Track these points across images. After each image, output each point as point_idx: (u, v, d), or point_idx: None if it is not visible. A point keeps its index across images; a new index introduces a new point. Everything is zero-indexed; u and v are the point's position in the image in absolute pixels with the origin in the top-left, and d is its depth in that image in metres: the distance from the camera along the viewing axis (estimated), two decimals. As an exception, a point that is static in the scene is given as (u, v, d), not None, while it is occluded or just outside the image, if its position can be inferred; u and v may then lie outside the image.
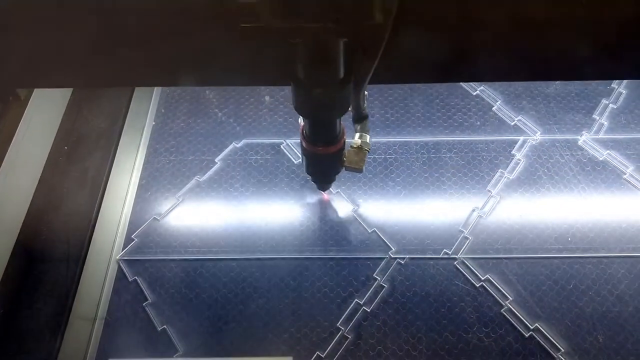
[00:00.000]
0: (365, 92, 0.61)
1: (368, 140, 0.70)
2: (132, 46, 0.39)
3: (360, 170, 0.71)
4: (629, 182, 0.84)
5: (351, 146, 0.69)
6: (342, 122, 0.63)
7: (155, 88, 0.99)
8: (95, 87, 0.92)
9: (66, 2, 0.35)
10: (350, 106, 0.60)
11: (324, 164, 0.70)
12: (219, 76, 0.48)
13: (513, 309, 0.73)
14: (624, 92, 0.96)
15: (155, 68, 0.43)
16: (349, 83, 0.48)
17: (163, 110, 0.96)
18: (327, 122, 0.60)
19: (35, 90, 0.85)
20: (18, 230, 0.80)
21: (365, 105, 0.64)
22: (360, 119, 0.68)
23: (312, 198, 0.85)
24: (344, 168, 0.70)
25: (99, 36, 0.38)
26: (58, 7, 0.35)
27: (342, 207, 0.83)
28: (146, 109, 0.96)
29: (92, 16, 0.36)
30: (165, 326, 0.73)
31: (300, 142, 0.65)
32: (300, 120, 0.62)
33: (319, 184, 0.79)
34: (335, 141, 0.64)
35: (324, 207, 0.83)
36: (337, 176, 0.76)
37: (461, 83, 0.98)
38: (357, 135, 0.69)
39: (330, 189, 0.84)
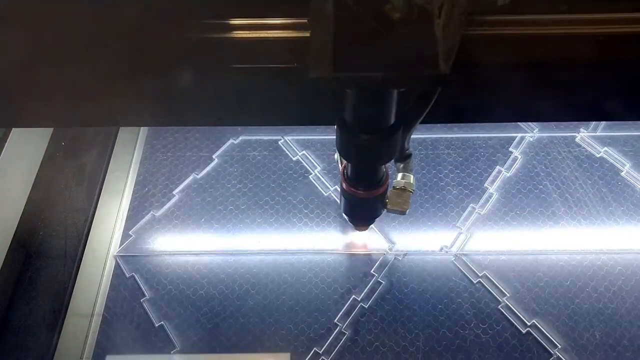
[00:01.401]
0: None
1: (412, 181, 0.65)
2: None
3: (403, 213, 0.66)
4: (627, 179, 0.85)
5: (394, 187, 0.64)
6: (386, 167, 0.59)
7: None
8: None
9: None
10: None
11: (365, 207, 0.66)
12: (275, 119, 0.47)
13: (510, 305, 0.73)
14: (621, 89, 0.96)
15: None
16: (399, 130, 0.46)
17: (160, 107, 0.96)
18: (373, 168, 0.57)
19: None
20: (15, 227, 0.80)
21: (409, 145, 0.60)
22: (403, 158, 0.63)
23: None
24: (385, 210, 0.66)
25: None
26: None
27: (339, 204, 0.83)
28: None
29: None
30: (162, 322, 0.73)
31: (341, 183, 0.61)
32: (337, 157, 0.58)
33: (356, 224, 0.75)
34: (379, 185, 0.60)
35: (320, 204, 0.83)
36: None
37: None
38: (400, 175, 0.64)
39: (329, 186, 0.84)
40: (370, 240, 0.80)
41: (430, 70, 0.34)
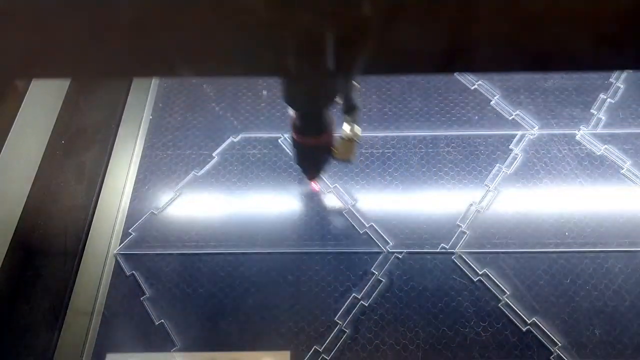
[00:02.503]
0: (356, 84, 0.62)
1: (358, 132, 0.69)
2: (127, 36, 0.38)
3: (349, 162, 0.71)
4: (627, 177, 0.85)
5: (341, 137, 0.69)
6: (330, 114, 0.63)
7: (153, 82, 0.99)
8: (92, 79, 0.92)
9: None
10: (340, 98, 0.60)
11: (314, 155, 0.71)
12: (213, 67, 0.48)
13: (510, 303, 0.73)
14: (621, 86, 0.96)
15: (150, 58, 0.43)
16: (337, 75, 0.48)
17: (160, 105, 0.96)
18: (316, 113, 0.60)
19: (32, 83, 0.85)
20: (15, 225, 0.80)
21: (354, 96, 0.64)
22: (349, 110, 0.67)
23: (303, 189, 0.84)
24: (333, 159, 0.71)
25: (95, 26, 0.37)
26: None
27: (340, 202, 0.83)
28: (143, 103, 0.96)
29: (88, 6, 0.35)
30: (162, 320, 0.73)
31: (291, 135, 0.65)
32: (291, 112, 0.62)
33: (308, 174, 0.80)
34: (324, 132, 0.64)
35: (318, 199, 0.83)
36: (329, 168, 0.78)
37: (459, 77, 0.98)
38: (347, 126, 0.69)
39: (328, 184, 0.84)
40: (368, 235, 0.79)
41: (352, 12, 0.35)
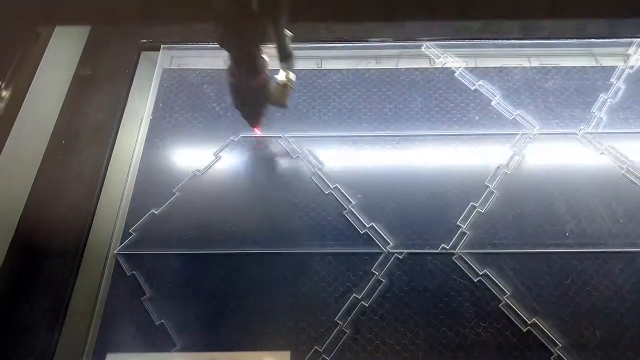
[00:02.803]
0: (288, 32, 0.66)
1: (292, 78, 0.76)
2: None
3: (284, 106, 0.78)
4: (627, 177, 0.84)
5: (277, 83, 0.75)
6: (264, 59, 0.69)
7: (153, 82, 0.99)
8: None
9: None
10: (274, 45, 0.66)
11: (249, 98, 0.76)
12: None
13: (511, 303, 0.73)
14: (622, 86, 0.96)
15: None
16: (264, 17, 0.56)
17: (161, 105, 0.96)
18: (248, 55, 0.66)
19: (33, 83, 0.85)
20: (15, 225, 0.80)
21: (288, 44, 0.68)
22: (284, 57, 0.71)
23: (303, 189, 0.84)
24: (269, 104, 0.78)
25: None
26: None
27: (340, 202, 0.83)
28: (144, 103, 0.96)
29: None
30: (162, 320, 0.73)
31: (227, 79, 0.71)
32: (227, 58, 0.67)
33: (249, 120, 0.84)
34: (257, 74, 0.70)
35: (318, 200, 0.83)
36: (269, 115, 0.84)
37: (460, 78, 0.98)
38: (282, 73, 0.75)
39: (329, 184, 0.84)
40: (368, 235, 0.79)
41: None
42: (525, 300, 0.74)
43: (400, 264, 0.77)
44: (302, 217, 0.82)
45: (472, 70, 1.00)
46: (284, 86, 0.76)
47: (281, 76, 0.75)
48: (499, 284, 0.75)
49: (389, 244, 0.79)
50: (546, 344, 0.70)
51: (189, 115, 0.95)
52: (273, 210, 0.83)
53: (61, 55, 0.95)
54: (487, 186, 0.84)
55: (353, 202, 0.83)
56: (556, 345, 0.70)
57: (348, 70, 1.01)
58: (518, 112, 0.93)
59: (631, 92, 0.95)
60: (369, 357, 0.70)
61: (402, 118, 0.93)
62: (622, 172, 0.85)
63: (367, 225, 0.80)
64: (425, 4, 0.55)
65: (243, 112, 0.81)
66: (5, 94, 0.82)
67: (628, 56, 1.01)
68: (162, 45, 1.04)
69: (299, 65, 1.03)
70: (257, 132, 0.91)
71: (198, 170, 0.87)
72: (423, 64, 1.02)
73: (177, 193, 0.85)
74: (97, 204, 0.84)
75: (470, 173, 0.86)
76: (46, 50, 0.89)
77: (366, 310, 0.73)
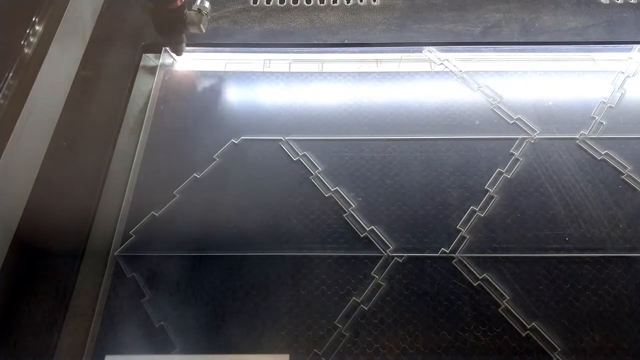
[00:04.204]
0: None
1: (207, 6, 0.93)
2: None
3: (200, 31, 0.93)
4: (627, 182, 0.85)
5: (192, 9, 0.91)
6: None
7: (154, 84, 0.99)
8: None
9: None
10: None
11: (168, 22, 0.89)
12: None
13: (510, 307, 0.73)
14: (622, 91, 0.96)
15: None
16: None
17: (162, 107, 0.96)
18: None
19: (35, 84, 0.85)
20: (16, 226, 0.80)
21: None
22: None
23: (304, 191, 0.85)
24: (186, 28, 0.92)
25: None
26: None
27: (341, 205, 0.83)
28: (145, 106, 0.96)
29: None
30: (162, 322, 0.73)
31: (147, 6, 0.85)
32: None
33: (171, 46, 1.00)
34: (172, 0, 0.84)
35: (319, 202, 0.83)
36: (184, 36, 0.97)
37: (460, 83, 0.98)
38: (198, 1, 0.93)
39: (329, 187, 0.84)
40: (369, 239, 0.80)
41: None
42: (525, 305, 0.74)
43: (400, 268, 0.77)
44: (302, 220, 0.82)
45: (472, 74, 1.00)
46: (198, 12, 0.90)
47: (197, 4, 0.91)
48: (499, 288, 0.75)
49: (389, 247, 0.79)
50: (545, 348, 0.70)
51: (189, 118, 0.95)
52: (273, 212, 0.83)
53: (63, 57, 0.95)
54: (487, 190, 0.84)
55: (353, 205, 0.83)
56: (555, 349, 0.70)
57: (349, 73, 1.01)
58: (518, 116, 0.93)
59: (631, 97, 0.96)
60: (368, 361, 0.70)
61: (403, 122, 0.93)
62: (622, 177, 0.85)
63: (368, 229, 0.80)
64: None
65: (163, 37, 0.95)
66: (7, 94, 0.82)
67: (628, 61, 1.02)
68: (163, 47, 1.04)
69: (300, 67, 1.04)
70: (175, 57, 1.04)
71: (198, 173, 0.87)
72: (424, 67, 1.03)
73: (178, 195, 0.85)
74: (97, 205, 0.84)
75: (470, 177, 0.86)
76: (48, 51, 0.90)
77: (366, 314, 0.73)
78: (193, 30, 0.92)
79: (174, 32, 0.93)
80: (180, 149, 0.91)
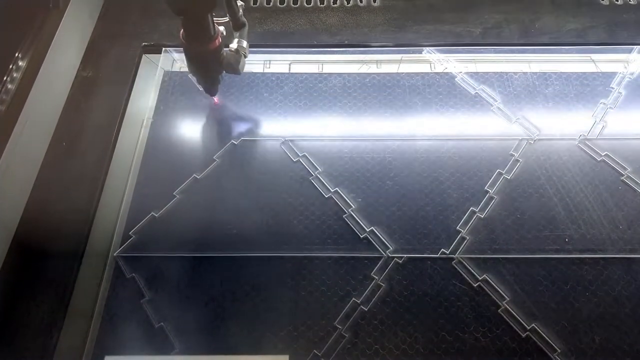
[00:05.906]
0: (240, 2, 0.76)
1: (245, 46, 0.83)
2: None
3: (237, 72, 0.84)
4: (627, 183, 0.85)
5: (230, 50, 0.82)
6: (216, 26, 0.75)
7: (155, 85, 0.99)
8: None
9: None
10: (227, 14, 0.77)
11: (204, 64, 0.81)
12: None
13: (510, 309, 0.73)
14: (622, 92, 0.96)
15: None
16: None
17: (162, 107, 0.96)
18: (199, 20, 0.70)
19: (34, 84, 0.85)
20: (15, 227, 0.80)
21: (241, 14, 0.78)
22: (238, 27, 0.80)
23: (304, 192, 0.85)
24: (223, 70, 0.84)
25: None
26: None
27: (340, 206, 0.83)
28: (145, 105, 0.96)
29: None
30: (162, 323, 0.73)
31: (182, 45, 0.75)
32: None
33: (205, 86, 0.90)
34: (210, 40, 0.75)
35: (319, 203, 0.83)
36: (221, 79, 0.89)
37: (460, 83, 0.98)
38: (236, 40, 0.83)
39: (329, 187, 0.84)
40: (368, 240, 0.79)
41: None
42: (525, 306, 0.74)
43: (399, 269, 0.77)
44: (302, 220, 0.82)
45: (472, 75, 1.00)
46: (236, 52, 0.82)
47: (234, 44, 0.82)
48: (499, 289, 0.75)
49: (388, 248, 0.79)
50: (545, 349, 0.70)
51: (189, 118, 0.95)
52: (273, 213, 0.83)
53: (63, 57, 0.95)
54: (487, 191, 0.84)
55: (353, 206, 0.83)
56: (555, 351, 0.70)
57: (349, 74, 1.01)
58: (518, 117, 0.93)
59: (631, 98, 0.96)
60: (368, 362, 0.70)
61: (403, 122, 0.93)
62: (622, 178, 0.85)
63: (367, 229, 0.80)
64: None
65: (198, 79, 0.86)
66: (7, 94, 0.82)
67: (628, 62, 1.02)
68: (163, 48, 1.04)
69: (300, 69, 1.04)
70: (215, 101, 0.96)
71: (198, 173, 0.87)
72: (424, 68, 1.03)
73: (177, 196, 0.85)
74: (97, 205, 0.84)
75: (470, 178, 0.86)
76: (48, 51, 0.90)
77: (365, 315, 0.73)
78: (229, 72, 0.84)
79: (209, 73, 0.84)
80: (180, 150, 0.91)
